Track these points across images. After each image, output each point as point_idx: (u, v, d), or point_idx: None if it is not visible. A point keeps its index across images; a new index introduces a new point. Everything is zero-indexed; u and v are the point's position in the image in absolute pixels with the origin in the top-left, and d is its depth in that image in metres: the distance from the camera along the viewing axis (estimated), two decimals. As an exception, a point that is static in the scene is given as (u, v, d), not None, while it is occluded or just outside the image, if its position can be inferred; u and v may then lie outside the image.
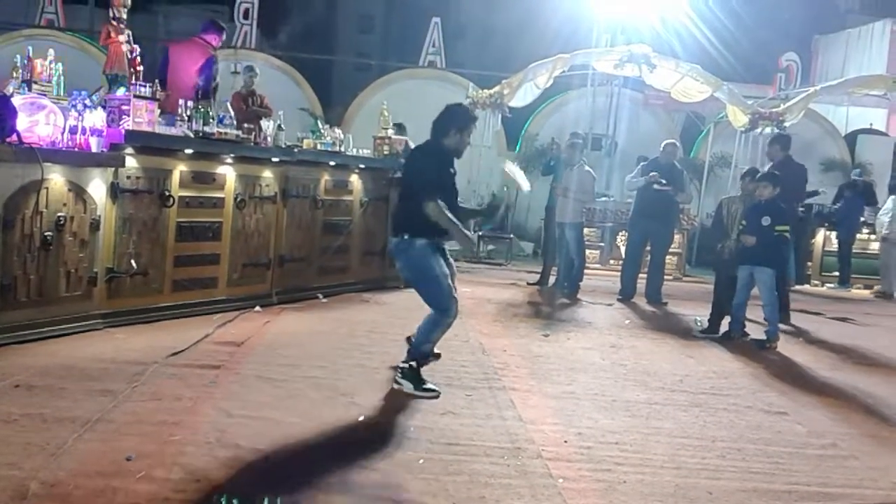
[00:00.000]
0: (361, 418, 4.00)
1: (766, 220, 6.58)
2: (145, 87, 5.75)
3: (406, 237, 4.56)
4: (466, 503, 3.07)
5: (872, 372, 6.10)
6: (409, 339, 4.83)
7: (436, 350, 4.84)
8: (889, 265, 11.20)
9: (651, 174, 8.63)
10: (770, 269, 6.71)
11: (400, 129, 9.63)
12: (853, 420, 4.73)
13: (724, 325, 6.94)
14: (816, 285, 11.74)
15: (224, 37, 8.25)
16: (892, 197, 10.98)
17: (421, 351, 4.63)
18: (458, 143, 4.65)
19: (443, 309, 4.55)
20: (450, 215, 4.46)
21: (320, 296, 7.28)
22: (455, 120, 4.66)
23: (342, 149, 7.71)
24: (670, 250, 9.93)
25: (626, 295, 8.79)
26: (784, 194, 6.85)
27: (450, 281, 4.59)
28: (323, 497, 3.02)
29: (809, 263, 11.96)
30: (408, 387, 4.50)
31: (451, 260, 4.81)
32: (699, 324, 7.30)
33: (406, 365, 4.59)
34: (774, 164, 7.98)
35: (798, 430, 4.42)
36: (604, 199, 11.80)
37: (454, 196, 4.68)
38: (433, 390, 4.49)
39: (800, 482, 3.60)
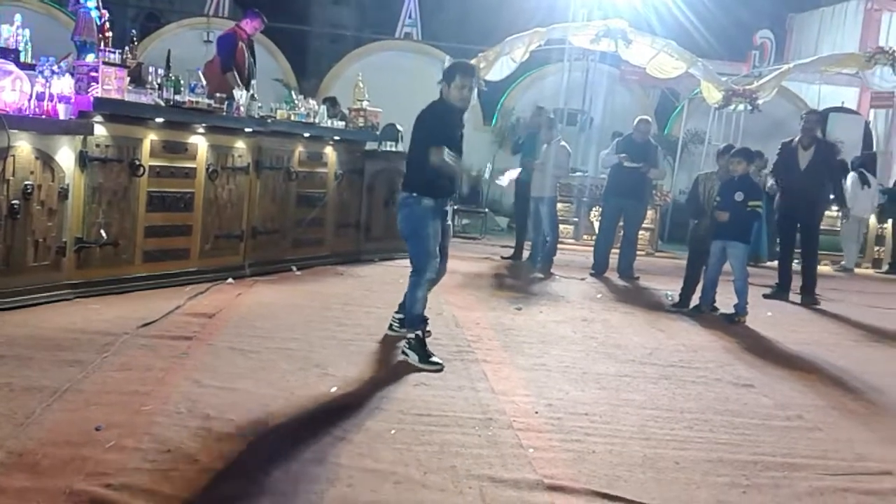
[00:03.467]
0: (334, 389, 4.00)
1: (739, 196, 6.65)
2: (114, 53, 5.64)
3: (415, 195, 4.74)
4: (437, 472, 3.09)
5: (838, 346, 6.21)
6: (390, 326, 5.15)
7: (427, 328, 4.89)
8: (850, 240, 11.43)
9: (622, 155, 8.67)
10: (742, 243, 6.80)
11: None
12: (819, 392, 4.82)
13: (695, 299, 7.03)
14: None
15: (260, 24, 8.21)
16: (852, 174, 11.13)
17: (413, 314, 4.75)
18: (457, 97, 4.75)
19: (420, 268, 4.78)
20: (447, 156, 4.61)
21: (294, 268, 7.25)
22: (449, 73, 4.82)
23: (316, 120, 7.64)
24: (643, 226, 9.99)
25: (598, 270, 8.85)
26: (833, 173, 7.62)
27: (437, 245, 4.79)
28: (295, 466, 3.03)
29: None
30: (413, 358, 4.57)
31: (449, 223, 5.04)
32: (670, 298, 7.39)
33: (412, 336, 4.67)
34: (818, 140, 8.11)
35: (764, 402, 4.50)
36: (578, 174, 11.82)
37: (458, 153, 4.79)
38: (438, 363, 4.54)
39: (765, 452, 3.67)
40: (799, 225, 8.19)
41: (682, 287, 7.14)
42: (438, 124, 4.73)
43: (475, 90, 4.97)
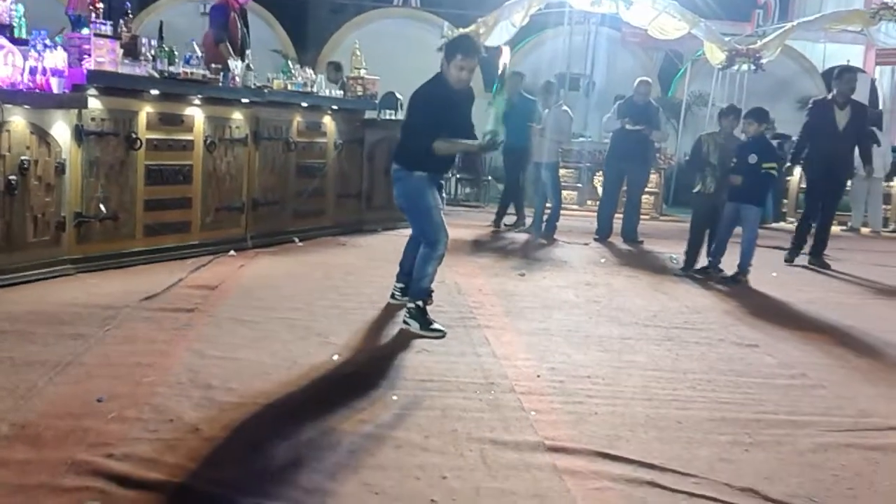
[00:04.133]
0: (335, 357, 4.00)
1: (752, 158, 6.57)
2: (106, 25, 5.58)
3: (406, 169, 4.60)
4: (438, 436, 3.09)
5: (843, 304, 6.19)
6: (392, 295, 5.14)
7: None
8: (858, 200, 11.35)
9: (624, 119, 8.59)
10: (756, 206, 6.75)
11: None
12: (823, 351, 4.80)
13: (703, 261, 6.98)
14: (792, 222, 11.81)
15: None
16: None
17: (420, 287, 4.65)
18: (455, 77, 4.49)
19: (431, 241, 4.62)
20: (451, 142, 4.52)
21: (296, 239, 7.24)
22: (450, 50, 4.55)
23: (314, 90, 7.57)
24: (647, 189, 9.94)
25: (602, 234, 8.82)
26: (866, 135, 7.48)
27: (441, 214, 4.64)
28: (297, 434, 3.03)
29: (785, 201, 12.04)
30: (415, 326, 4.54)
31: (443, 195, 4.88)
32: (675, 262, 7.36)
33: (413, 305, 4.62)
34: (851, 100, 7.79)
35: (768, 361, 4.48)
36: (581, 139, 11.73)
37: (461, 133, 4.61)
38: (440, 331, 4.51)
39: (768, 411, 3.66)
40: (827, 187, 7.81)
41: (687, 250, 7.10)
42: (433, 110, 4.49)
43: (474, 71, 4.61)
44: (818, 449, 3.25)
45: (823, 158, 7.65)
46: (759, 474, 2.96)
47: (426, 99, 4.58)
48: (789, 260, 7.94)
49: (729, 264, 6.92)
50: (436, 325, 4.55)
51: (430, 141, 4.45)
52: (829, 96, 7.82)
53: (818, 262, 7.87)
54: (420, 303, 4.62)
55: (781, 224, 11.59)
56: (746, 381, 4.08)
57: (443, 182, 4.87)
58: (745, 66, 11.72)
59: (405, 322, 4.61)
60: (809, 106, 8.11)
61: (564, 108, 8.89)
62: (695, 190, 7.10)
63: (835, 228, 11.09)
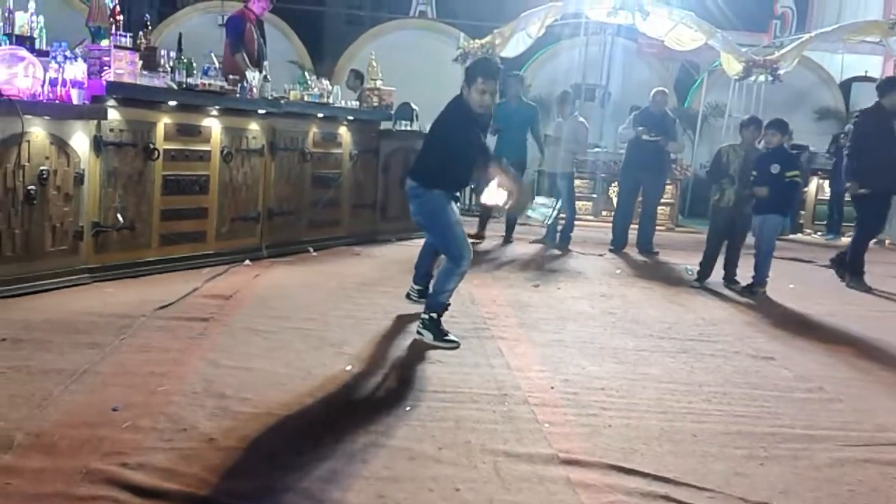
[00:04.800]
0: (350, 368, 4.01)
1: (775, 168, 6.55)
2: (126, 37, 5.64)
3: (423, 186, 4.56)
4: (452, 448, 3.08)
5: (861, 318, 6.12)
6: (408, 295, 5.19)
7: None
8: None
9: (639, 129, 8.57)
10: (779, 216, 6.75)
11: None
12: (841, 364, 4.76)
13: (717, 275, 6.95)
14: (809, 234, 11.76)
15: (268, 3, 7.95)
16: None
17: (438, 301, 4.61)
18: (478, 101, 4.44)
19: (455, 257, 4.57)
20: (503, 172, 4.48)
21: (310, 249, 7.26)
22: (470, 74, 4.50)
23: (330, 101, 7.61)
24: (663, 201, 9.90)
25: (617, 245, 8.79)
26: None
27: (463, 229, 4.60)
28: (310, 444, 3.03)
29: (802, 212, 11.96)
30: (428, 337, 4.52)
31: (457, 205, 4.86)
32: (691, 273, 7.32)
33: (427, 316, 4.60)
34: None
35: (784, 374, 4.44)
36: (596, 150, 11.72)
37: (471, 154, 4.55)
38: (454, 341, 4.50)
39: (784, 425, 3.63)
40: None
41: (702, 261, 7.06)
42: (467, 128, 4.45)
43: (496, 94, 4.59)
44: (835, 464, 3.22)
45: (884, 170, 7.13)
46: (775, 489, 2.93)
47: (459, 114, 4.52)
48: (853, 286, 7.37)
49: (743, 274, 6.88)
50: (450, 336, 4.54)
51: (429, 158, 4.57)
52: (875, 106, 7.39)
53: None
54: (434, 314, 4.60)
55: (798, 236, 11.51)
56: (762, 394, 4.05)
57: (458, 194, 4.86)
58: (762, 77, 11.66)
59: (419, 332, 4.60)
60: (857, 117, 7.82)
61: (581, 118, 8.89)
62: (713, 201, 7.07)
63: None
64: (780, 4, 15.66)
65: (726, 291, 6.77)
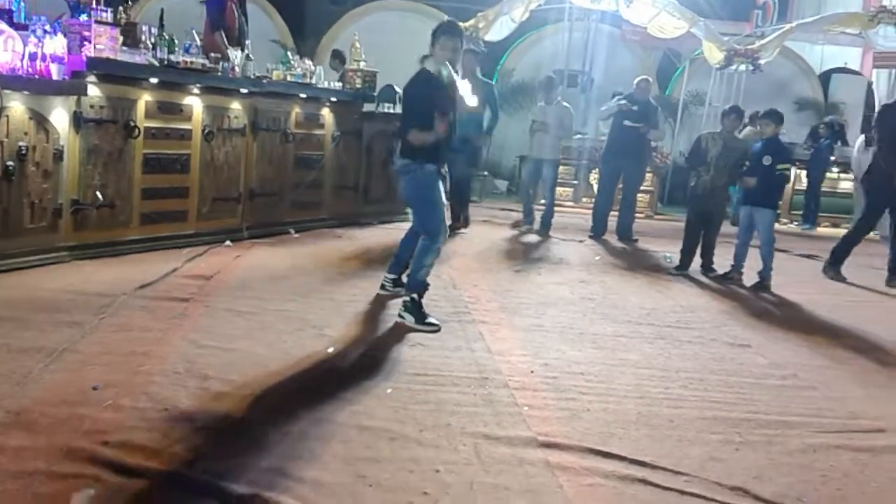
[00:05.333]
0: (331, 350, 4.02)
1: (767, 160, 6.56)
2: (106, 12, 5.56)
3: (417, 161, 4.65)
4: (432, 430, 3.11)
5: (837, 307, 6.22)
6: (382, 286, 5.20)
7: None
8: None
9: (621, 102, 8.59)
10: (770, 209, 6.73)
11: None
12: (815, 352, 4.83)
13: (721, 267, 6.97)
14: (785, 223, 11.89)
15: None
16: (861, 137, 11.04)
17: (417, 279, 4.67)
18: (440, 56, 4.62)
19: (433, 233, 4.68)
20: (417, 132, 4.59)
21: (292, 231, 7.24)
22: (432, 38, 4.68)
23: (313, 81, 7.56)
24: (642, 188, 9.95)
25: (597, 232, 8.84)
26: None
27: (444, 208, 4.73)
28: (292, 425, 3.05)
29: (779, 202, 12.07)
30: (409, 320, 4.55)
31: (446, 187, 4.91)
32: (669, 260, 7.39)
33: (408, 298, 4.63)
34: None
35: (760, 361, 4.51)
36: (578, 136, 11.75)
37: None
38: (434, 324, 4.53)
39: (759, 411, 3.69)
40: None
41: (682, 249, 7.12)
42: (423, 98, 4.62)
43: (459, 51, 4.75)
44: (808, 449, 3.28)
45: None
46: (749, 473, 2.99)
47: (416, 85, 4.70)
48: None
49: (720, 262, 6.95)
50: (431, 319, 4.57)
51: (406, 131, 4.64)
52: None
53: None
54: (416, 295, 4.63)
55: (775, 226, 11.61)
56: (738, 380, 4.11)
57: (445, 175, 4.89)
58: (742, 67, 11.74)
59: (400, 315, 4.62)
60: (881, 111, 7.71)
61: (565, 103, 8.89)
62: (690, 188, 7.12)
63: (831, 230, 11.25)
64: (763, -6, 15.73)
65: (704, 279, 6.84)
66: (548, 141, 8.58)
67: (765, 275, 6.70)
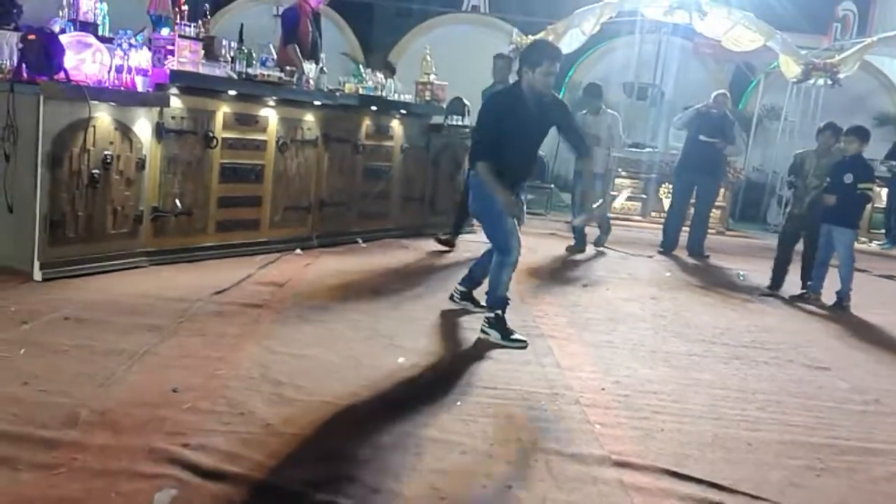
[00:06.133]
0: (401, 360, 4.03)
1: (848, 178, 6.34)
2: (190, 27, 5.74)
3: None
4: (504, 444, 3.09)
5: (919, 330, 5.98)
6: (451, 296, 5.15)
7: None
8: None
9: (699, 106, 8.41)
10: (850, 229, 6.51)
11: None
12: (898, 377, 4.65)
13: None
14: (864, 242, 11.47)
15: None
16: None
17: (497, 296, 4.59)
18: (540, 82, 4.44)
19: (502, 248, 4.59)
20: (492, 178, 4.43)
21: (359, 240, 7.32)
22: (529, 59, 4.49)
23: (383, 94, 7.65)
24: (716, 204, 9.73)
25: (667, 247, 8.69)
26: None
27: (514, 221, 4.56)
28: (362, 433, 3.07)
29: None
30: (494, 336, 4.50)
31: (522, 199, 4.77)
32: (742, 278, 7.21)
33: (492, 315, 4.57)
34: None
35: (840, 385, 4.36)
36: (648, 150, 11.59)
37: (524, 146, 4.56)
38: (521, 341, 4.47)
39: (840, 436, 3.56)
40: None
41: (773, 270, 6.89)
42: (489, 122, 4.50)
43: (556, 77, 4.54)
44: (893, 478, 3.16)
45: None
46: (832, 501, 2.89)
47: (494, 101, 4.62)
48: None
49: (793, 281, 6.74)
50: (516, 336, 4.51)
51: (477, 158, 4.50)
52: None
53: None
54: (499, 311, 4.57)
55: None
56: (817, 404, 3.98)
57: (523, 195, 4.77)
58: (821, 81, 11.41)
59: (483, 332, 4.57)
60: None
61: (610, 111, 8.65)
62: (789, 207, 6.88)
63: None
64: (842, 7, 15.26)
65: (780, 298, 6.64)
66: (600, 153, 8.27)
67: (843, 295, 6.47)
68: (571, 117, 4.82)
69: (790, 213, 6.93)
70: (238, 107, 6.02)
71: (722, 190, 10.58)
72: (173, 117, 5.55)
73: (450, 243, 7.54)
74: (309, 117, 6.70)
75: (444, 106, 8.57)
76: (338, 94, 7.06)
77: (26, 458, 2.60)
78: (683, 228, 8.83)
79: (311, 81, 6.77)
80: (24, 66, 4.83)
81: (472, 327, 4.70)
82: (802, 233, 6.77)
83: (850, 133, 6.52)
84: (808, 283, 6.69)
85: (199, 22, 6.36)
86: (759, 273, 7.57)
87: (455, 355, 4.25)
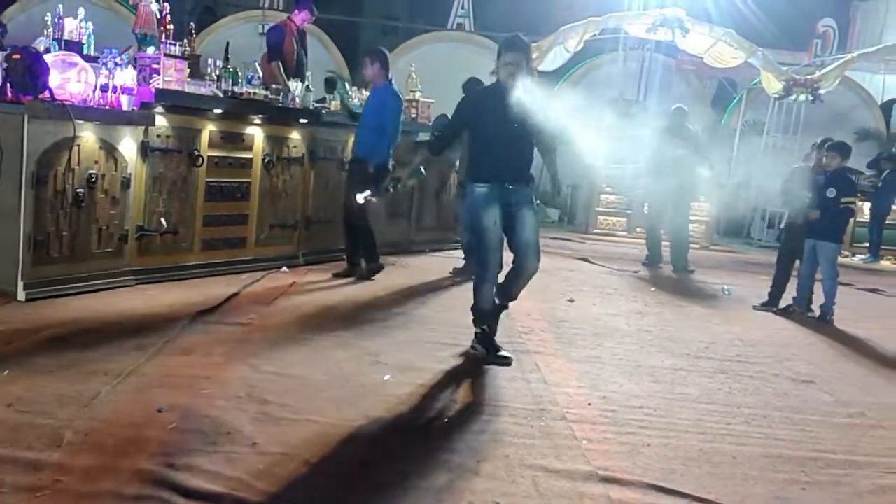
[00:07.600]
0: (387, 377, 4.03)
1: (831, 192, 6.41)
2: (175, 45, 5.76)
3: (469, 183, 4.62)
4: (491, 461, 3.10)
5: (902, 343, 6.03)
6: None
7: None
8: None
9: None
10: (833, 243, 6.55)
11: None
12: (881, 390, 4.69)
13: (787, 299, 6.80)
14: (847, 256, 11.57)
15: (308, 15, 8.12)
16: None
17: (479, 309, 4.59)
18: (502, 75, 4.39)
19: (480, 262, 4.61)
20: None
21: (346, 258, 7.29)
22: (498, 51, 4.54)
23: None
24: (698, 219, 9.78)
25: (652, 261, 8.72)
26: None
27: (498, 235, 4.47)
28: (348, 451, 3.07)
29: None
30: (482, 352, 4.52)
31: (528, 211, 4.54)
32: (727, 293, 7.25)
33: (479, 330, 4.60)
34: None
35: (825, 398, 4.39)
36: (632, 165, 11.65)
37: (502, 141, 4.42)
38: (506, 357, 4.49)
39: (826, 450, 3.59)
40: None
41: (772, 285, 6.91)
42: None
43: (521, 67, 4.36)
44: (878, 491, 3.18)
45: None
46: (818, 515, 2.91)
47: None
48: None
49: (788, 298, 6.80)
50: (503, 353, 4.53)
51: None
52: None
53: None
54: (485, 328, 4.58)
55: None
56: (803, 418, 4.01)
57: (525, 193, 4.55)
58: (802, 97, 11.55)
59: (472, 347, 4.60)
60: None
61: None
62: (786, 222, 6.93)
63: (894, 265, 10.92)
64: (822, 24, 15.48)
65: (760, 313, 6.68)
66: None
67: (827, 309, 6.52)
68: (533, 113, 4.41)
69: (788, 228, 6.93)
70: (224, 125, 6.03)
71: (705, 205, 10.65)
72: (158, 136, 5.55)
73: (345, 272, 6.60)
74: (295, 135, 6.71)
75: (430, 123, 8.60)
76: (323, 111, 7.07)
77: (10, 480, 2.58)
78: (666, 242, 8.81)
79: (297, 99, 6.79)
80: (8, 85, 4.83)
81: (459, 343, 4.70)
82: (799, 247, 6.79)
83: (832, 149, 6.60)
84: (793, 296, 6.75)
85: (185, 40, 6.41)
86: (743, 287, 7.63)
87: (441, 372, 4.25)
